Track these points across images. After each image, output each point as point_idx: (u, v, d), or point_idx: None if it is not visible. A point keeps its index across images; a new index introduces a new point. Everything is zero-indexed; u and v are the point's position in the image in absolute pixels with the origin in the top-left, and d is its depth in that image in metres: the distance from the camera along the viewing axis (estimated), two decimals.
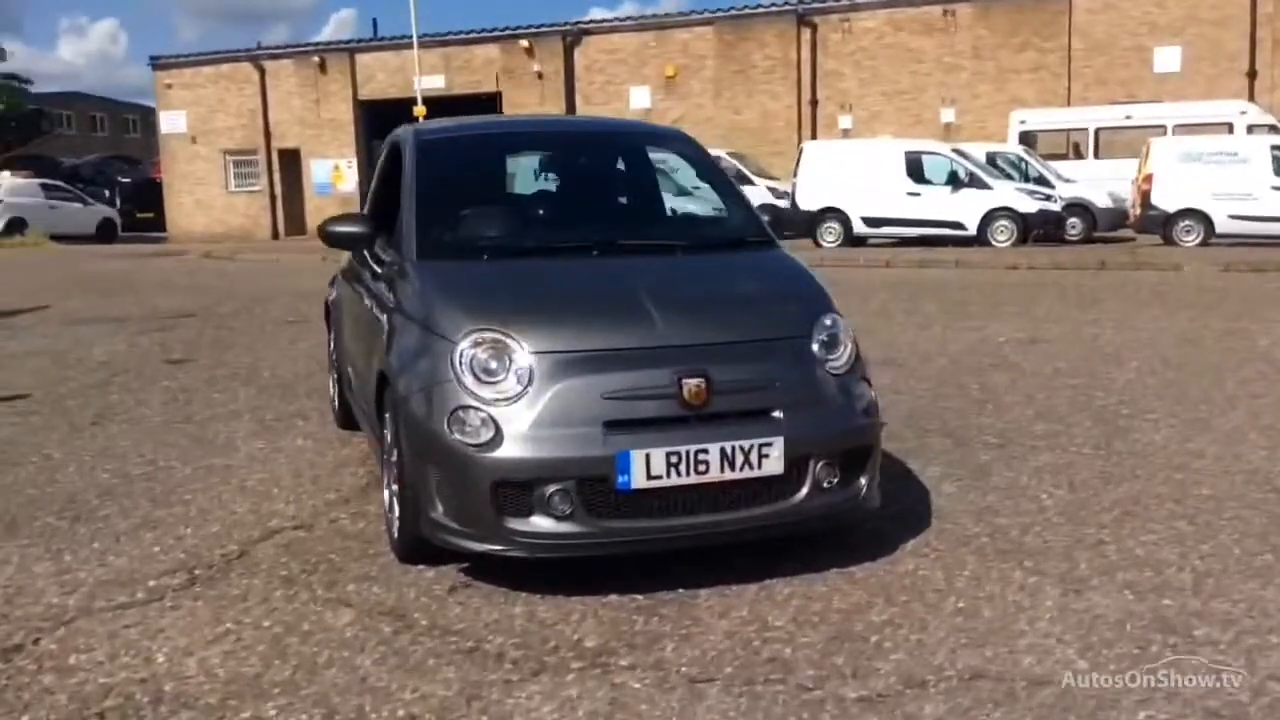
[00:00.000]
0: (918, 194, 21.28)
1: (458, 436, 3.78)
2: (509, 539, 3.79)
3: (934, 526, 4.62)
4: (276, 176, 36.34)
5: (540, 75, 33.77)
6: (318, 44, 36.77)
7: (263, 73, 36.50)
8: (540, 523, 3.77)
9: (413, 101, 33.80)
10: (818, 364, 4.13)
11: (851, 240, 21.77)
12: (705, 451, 3.80)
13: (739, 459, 3.84)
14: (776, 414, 3.94)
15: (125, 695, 3.22)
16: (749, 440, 3.85)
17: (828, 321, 4.27)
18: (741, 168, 27.71)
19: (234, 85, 36.79)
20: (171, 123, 37.58)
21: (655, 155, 5.60)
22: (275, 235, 35.84)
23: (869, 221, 21.75)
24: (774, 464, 3.88)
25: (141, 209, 38.84)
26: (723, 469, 3.83)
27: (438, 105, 34.47)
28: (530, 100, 33.90)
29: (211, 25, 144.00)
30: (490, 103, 34.08)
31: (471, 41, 34.72)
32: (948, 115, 30.18)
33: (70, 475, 5.59)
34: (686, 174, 6.01)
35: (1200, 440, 5.90)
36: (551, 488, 3.74)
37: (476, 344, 3.88)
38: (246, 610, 3.83)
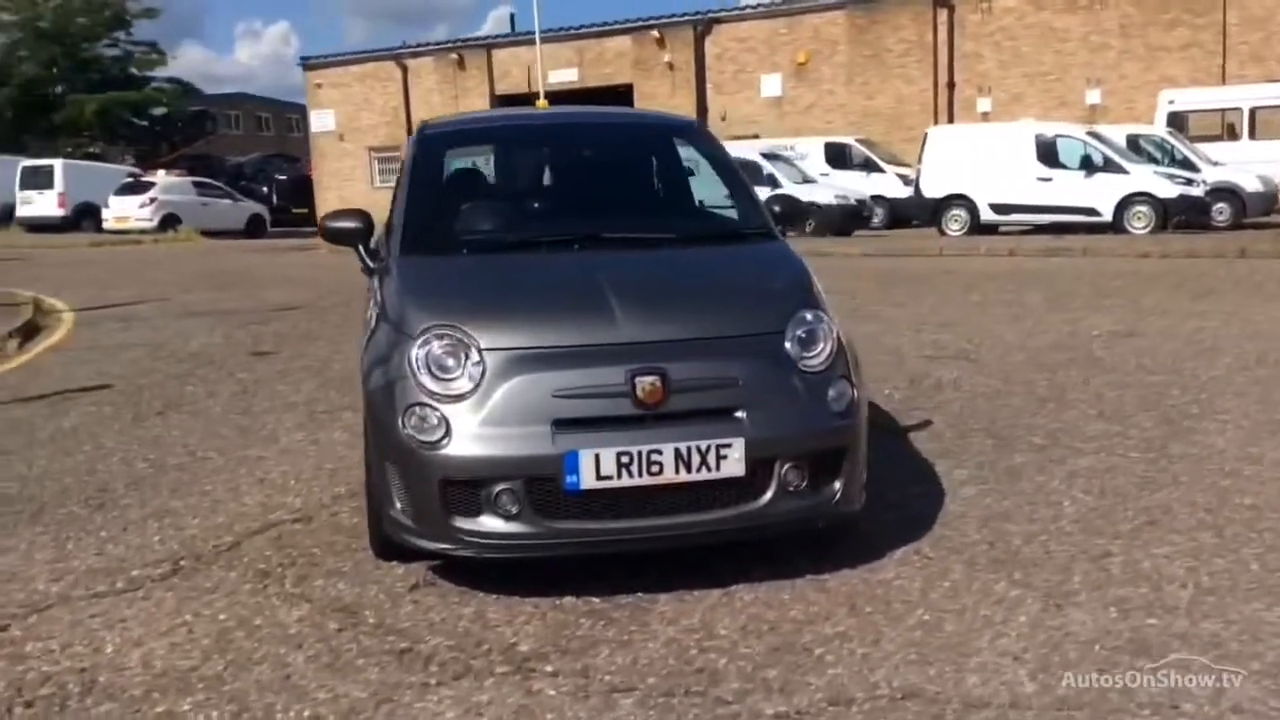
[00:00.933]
0: (1049, 179, 20.48)
1: (411, 433, 3.76)
2: (457, 538, 3.75)
3: (934, 533, 4.39)
4: None
5: (671, 66, 33.75)
6: (456, 41, 37.49)
7: (405, 71, 37.48)
8: (488, 522, 3.72)
9: (549, 95, 34.28)
10: (790, 362, 3.95)
11: (979, 228, 21.10)
12: (659, 452, 3.68)
13: (695, 460, 3.71)
14: (739, 414, 3.79)
15: (59, 685, 3.29)
16: (707, 441, 3.71)
17: (807, 317, 4.08)
18: (870, 155, 27.20)
19: (378, 84, 37.88)
20: (321, 121, 38.92)
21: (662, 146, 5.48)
22: None
23: (997, 208, 21.03)
24: (734, 466, 3.74)
25: (296, 205, 40.31)
26: (678, 470, 3.70)
27: (569, 98, 34.87)
28: (661, 91, 33.91)
29: (378, 25, 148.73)
30: (623, 95, 34.22)
31: (604, 34, 34.93)
32: (1093, 97, 28.99)
33: (112, 464, 5.80)
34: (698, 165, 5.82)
35: (1265, 445, 5.48)
36: (499, 487, 3.68)
37: (434, 340, 3.84)
38: (209, 603, 3.88)
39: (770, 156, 24.01)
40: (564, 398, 3.71)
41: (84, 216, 31.32)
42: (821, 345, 4.05)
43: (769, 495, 3.83)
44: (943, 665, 3.27)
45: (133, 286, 15.75)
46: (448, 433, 3.72)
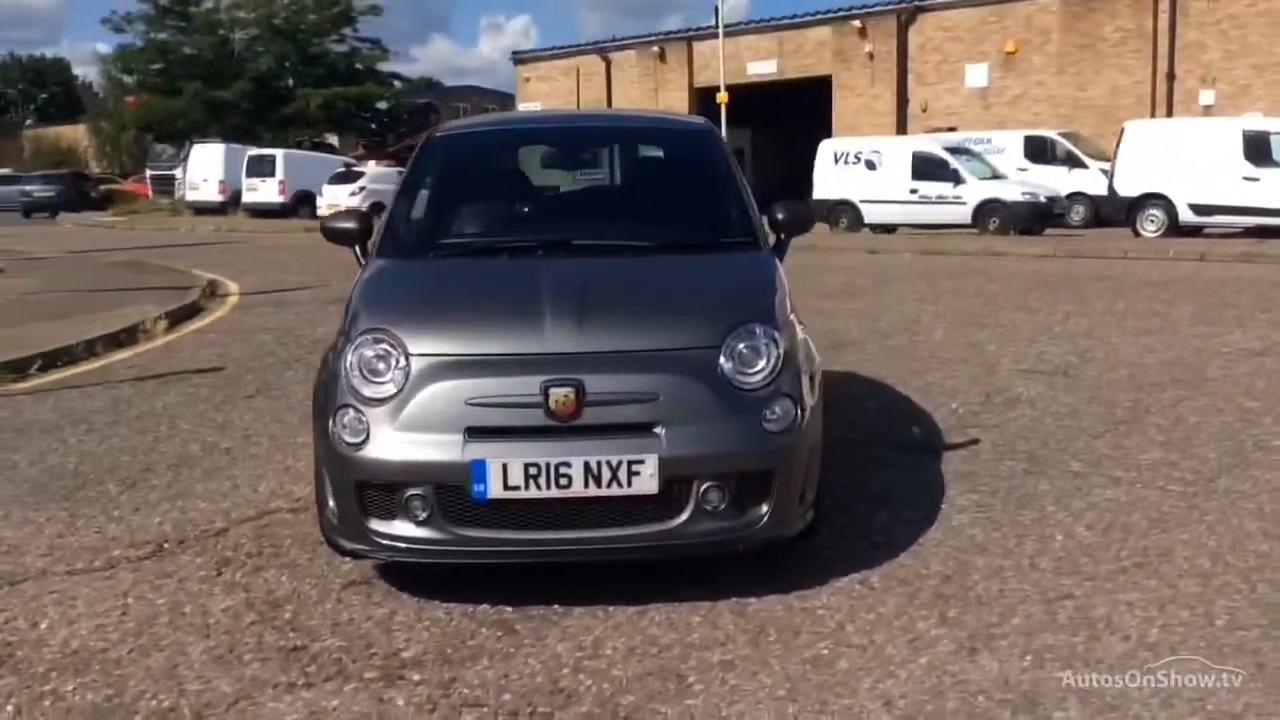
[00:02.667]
0: (1256, 179, 18.99)
1: (338, 433, 3.84)
2: (373, 541, 3.81)
3: (895, 561, 4.18)
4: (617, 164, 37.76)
5: (872, 56, 33.04)
6: (659, 34, 37.79)
7: (609, 64, 38.08)
8: (401, 527, 3.76)
9: (746, 87, 34.17)
10: (722, 378, 3.82)
11: (1177, 230, 19.76)
12: (568, 465, 3.64)
13: (606, 475, 3.64)
14: (658, 430, 3.70)
15: None
16: (618, 456, 3.64)
17: (753, 332, 3.93)
18: (1074, 149, 25.91)
19: (583, 77, 38.63)
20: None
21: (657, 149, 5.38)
22: None
23: (1198, 209, 19.66)
24: (646, 483, 3.66)
25: None
26: (587, 484, 3.65)
27: (768, 90, 34.68)
28: (860, 82, 33.27)
29: (614, 18, 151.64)
30: (821, 85, 33.76)
31: (804, 24, 34.53)
32: None
33: (171, 445, 6.15)
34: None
35: None
36: (409, 492, 3.72)
37: (368, 344, 3.91)
38: (158, 587, 4.08)
39: (956, 151, 23.21)
40: (478, 406, 3.71)
41: (301, 203, 33.20)
42: (763, 362, 3.90)
43: (686, 515, 3.73)
44: (805, 704, 3.12)
45: (309, 272, 16.58)
46: (368, 436, 3.78)
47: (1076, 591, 3.86)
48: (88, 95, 77.06)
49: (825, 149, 24.83)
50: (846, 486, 5.07)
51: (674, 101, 36.21)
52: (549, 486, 3.65)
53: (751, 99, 34.38)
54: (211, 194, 35.13)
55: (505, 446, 3.67)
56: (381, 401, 3.80)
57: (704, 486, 3.72)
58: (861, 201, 23.62)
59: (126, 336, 9.99)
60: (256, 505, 5.03)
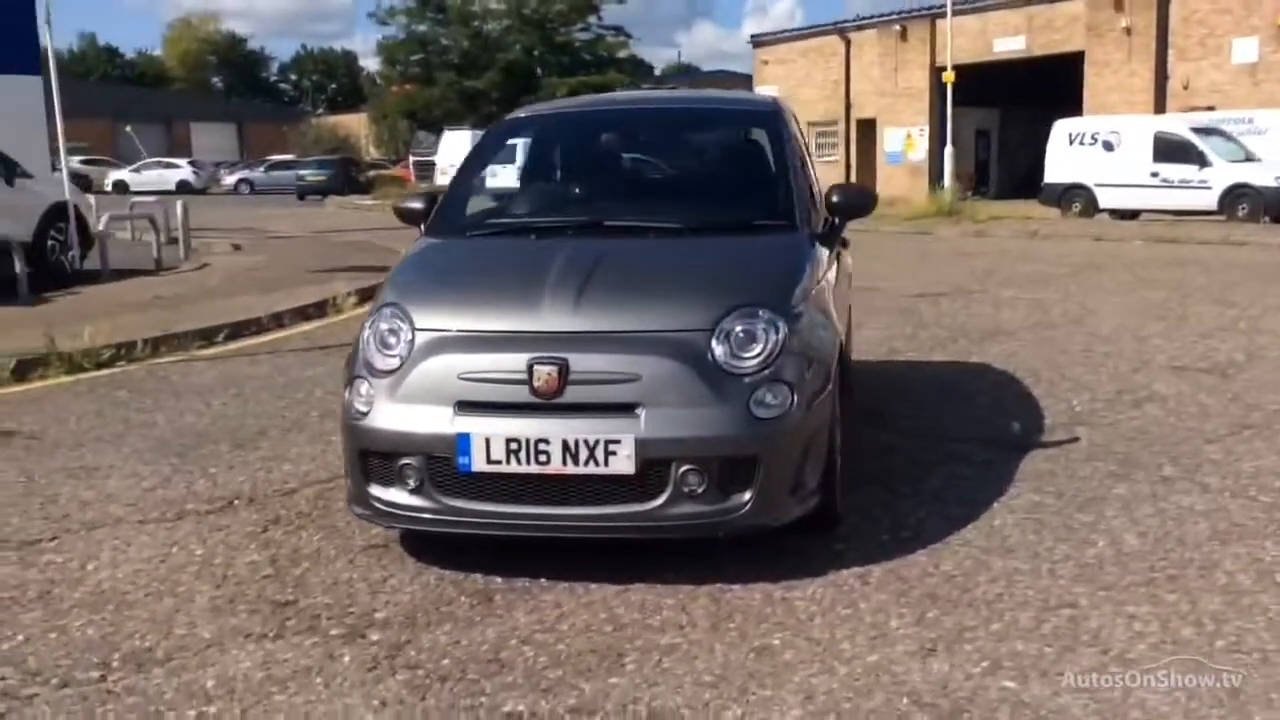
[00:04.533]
0: None
1: (351, 403, 4.05)
2: (372, 506, 3.99)
3: (909, 558, 4.02)
4: (853, 146, 37.16)
5: (1129, 30, 30.98)
6: (901, 13, 36.78)
7: (848, 44, 37.39)
8: (396, 495, 3.93)
9: (991, 66, 32.84)
10: (711, 362, 3.78)
11: None
12: (546, 442, 3.70)
13: (583, 454, 3.69)
14: (639, 411, 3.71)
15: (23, 589, 3.94)
16: (595, 435, 3.68)
17: (754, 314, 3.86)
18: None
19: (821, 58, 38.10)
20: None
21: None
22: None
23: None
24: (622, 463, 3.68)
25: None
26: (565, 462, 3.70)
27: (1017, 67, 33.18)
28: (1115, 58, 31.32)
29: None
30: (1072, 62, 32.02)
31: None
32: None
33: (295, 411, 6.58)
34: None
35: None
36: (403, 461, 3.88)
37: (384, 318, 4.10)
38: (204, 540, 4.40)
39: (1205, 131, 21.54)
40: (467, 380, 3.83)
41: None
42: (759, 346, 3.83)
43: (664, 497, 3.72)
44: (724, 691, 3.08)
45: None
46: (373, 405, 3.97)
47: (1083, 601, 3.61)
48: (369, 86, 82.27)
49: (1059, 129, 23.57)
50: (904, 480, 4.92)
51: (915, 80, 35.22)
52: (529, 462, 3.73)
53: (998, 77, 32.96)
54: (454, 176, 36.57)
55: (490, 421, 3.77)
56: (388, 373, 3.97)
57: (683, 469, 3.71)
58: (1097, 185, 22.30)
59: (315, 310, 10.70)
60: (333, 469, 5.31)
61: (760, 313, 3.90)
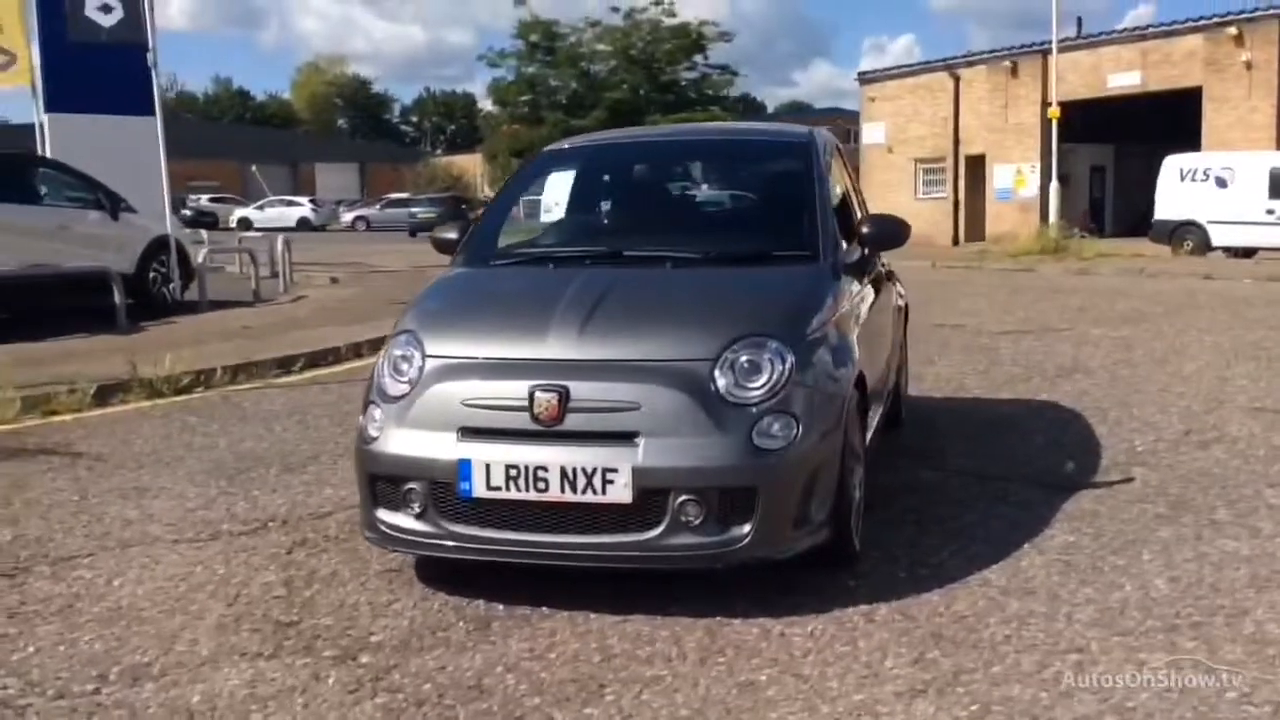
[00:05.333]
0: None
1: (364, 428, 4.10)
2: (378, 529, 4.03)
3: (922, 597, 3.89)
4: (961, 183, 36.58)
5: (1249, 65, 29.98)
6: (1012, 49, 36.18)
7: (957, 80, 36.89)
8: (400, 519, 3.96)
9: (1105, 101, 32.11)
10: (713, 392, 3.73)
11: None
12: (545, 469, 3.70)
13: (581, 481, 3.67)
14: (638, 440, 3.68)
15: (46, 603, 4.05)
16: (594, 463, 3.66)
17: (760, 345, 3.81)
18: None
19: (929, 94, 37.64)
20: (871, 134, 39.51)
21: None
22: (955, 241, 36.08)
23: None
24: (620, 492, 3.65)
25: None
26: (563, 489, 3.69)
27: (1132, 103, 32.36)
28: (1235, 94, 30.31)
29: (998, 32, 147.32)
30: (1189, 98, 31.10)
31: (1172, 33, 31.88)
32: None
33: (352, 437, 6.66)
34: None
35: None
36: (408, 485, 3.91)
37: (399, 344, 4.15)
38: (229, 560, 4.48)
39: None
40: (471, 407, 3.85)
41: None
42: (764, 377, 3.78)
43: (662, 527, 3.68)
44: None
45: None
46: (383, 430, 4.01)
47: (1094, 646, 3.44)
48: (486, 127, 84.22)
49: (1170, 165, 22.88)
50: (937, 518, 4.79)
51: (1025, 116, 34.53)
52: (528, 489, 3.73)
53: (1112, 113, 32.21)
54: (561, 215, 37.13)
55: (491, 447, 3.78)
56: (397, 399, 4.02)
57: (681, 499, 3.66)
58: (1210, 222, 21.57)
59: None
60: None
61: (768, 343, 3.84)
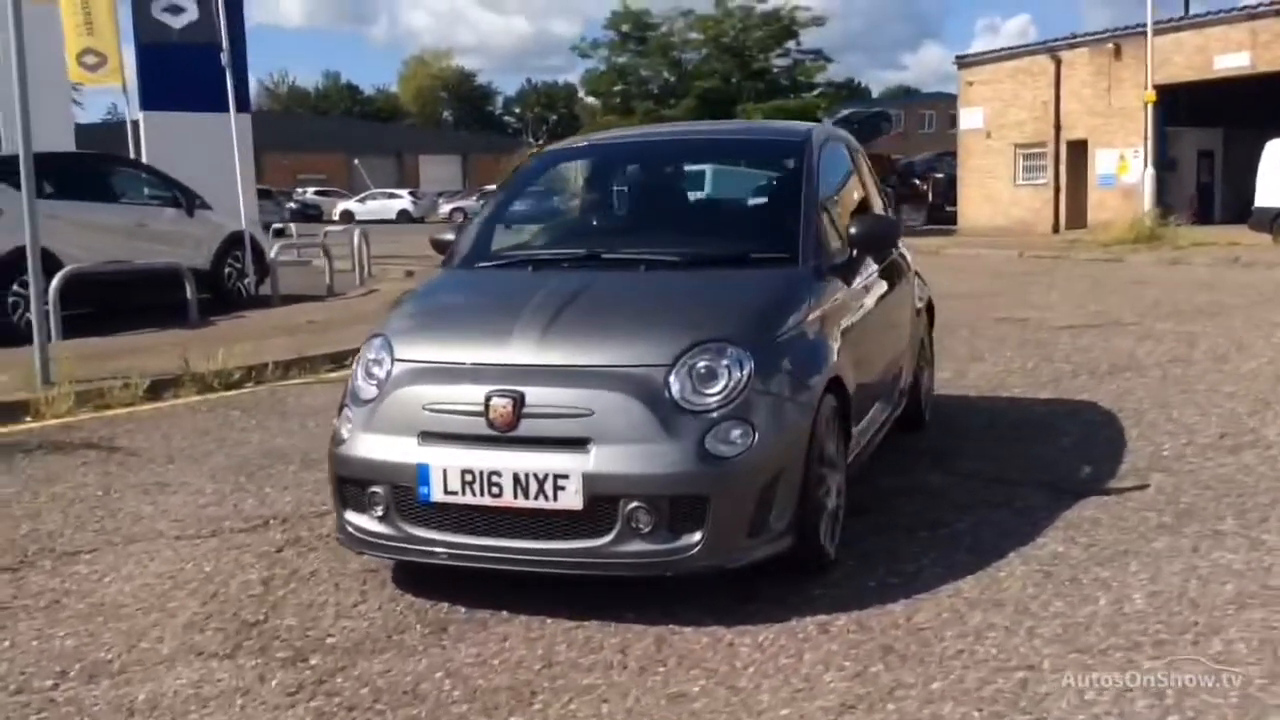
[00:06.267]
0: None
1: (337, 430, 4.17)
2: (346, 531, 4.09)
3: (884, 607, 3.80)
4: (1062, 169, 35.59)
5: None
6: (1115, 30, 35.05)
7: (1058, 63, 35.87)
8: (365, 521, 4.01)
9: (1213, 84, 30.93)
10: (666, 398, 3.70)
11: None
12: (499, 474, 3.71)
13: (533, 487, 3.68)
14: (590, 446, 3.67)
15: (38, 596, 4.21)
16: (545, 469, 3.67)
17: (719, 351, 3.77)
18: None
19: (1029, 78, 36.68)
20: (970, 119, 38.66)
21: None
22: (1055, 229, 35.13)
23: None
24: (571, 498, 3.65)
25: (951, 204, 40.65)
26: (516, 495, 3.70)
27: (1241, 85, 31.10)
28: None
29: (1122, 11, 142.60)
30: None
31: None
32: None
33: None
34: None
35: None
36: (373, 488, 3.96)
37: (372, 348, 4.21)
38: (220, 557, 4.59)
39: None
40: (431, 411, 3.88)
41: None
42: (721, 383, 3.74)
43: (612, 534, 3.67)
44: None
45: None
46: (351, 433, 4.07)
47: (1046, 664, 3.33)
48: (584, 117, 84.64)
49: (1272, 150, 21.92)
50: (929, 524, 4.70)
51: (1129, 100, 33.36)
52: (483, 494, 3.75)
53: (1221, 95, 31.01)
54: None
55: (449, 452, 3.81)
56: (367, 402, 4.07)
57: (631, 506, 3.64)
58: None
59: None
60: None
61: (727, 349, 3.79)
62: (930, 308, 6.59)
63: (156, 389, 8.28)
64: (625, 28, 40.71)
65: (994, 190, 37.43)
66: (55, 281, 10.30)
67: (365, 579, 4.26)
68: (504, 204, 5.12)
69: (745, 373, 3.75)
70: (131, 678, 3.49)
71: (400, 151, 74.37)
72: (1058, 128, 35.81)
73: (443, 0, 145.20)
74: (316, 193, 57.68)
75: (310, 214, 48.93)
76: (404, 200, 54.17)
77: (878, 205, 5.73)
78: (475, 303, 4.39)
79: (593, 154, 5.64)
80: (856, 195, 5.38)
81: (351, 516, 4.07)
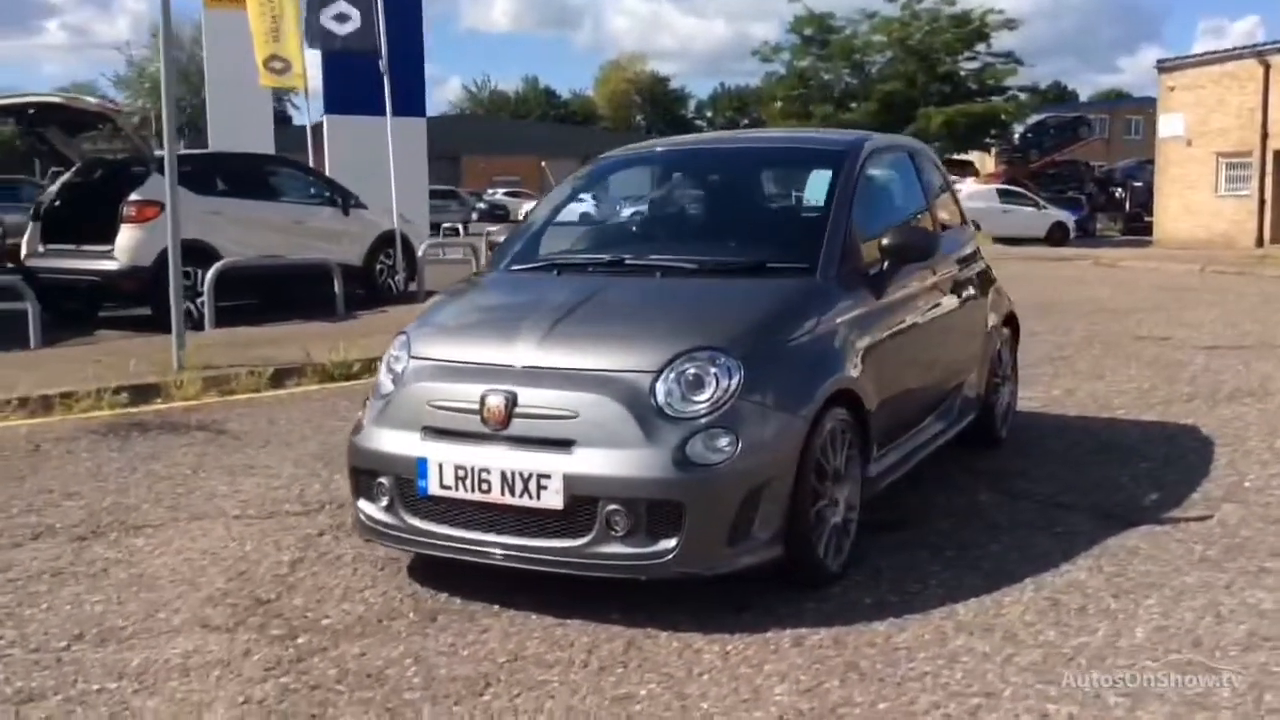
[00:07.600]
0: None
1: (360, 420, 4.36)
2: (357, 517, 4.27)
3: (871, 625, 3.75)
4: (1268, 179, 33.45)
5: None
6: None
7: (1267, 68, 33.74)
8: (373, 509, 4.18)
9: None
10: (651, 404, 3.73)
11: None
12: (488, 471, 3.82)
13: (519, 485, 3.78)
14: (574, 448, 3.74)
15: (91, 564, 4.54)
16: (530, 468, 3.75)
17: (709, 359, 3.78)
18: None
19: (1235, 84, 34.64)
20: (1170, 126, 36.78)
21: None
22: (1259, 242, 33.04)
23: None
24: (553, 497, 3.73)
25: (1150, 213, 38.83)
26: (503, 492, 3.81)
27: None
28: None
29: None
30: None
31: None
32: None
33: None
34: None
35: None
36: (380, 479, 4.13)
37: (396, 345, 4.39)
38: (264, 537, 4.84)
39: None
40: (434, 408, 4.02)
41: None
42: (708, 391, 3.75)
43: (590, 535, 3.73)
44: None
45: None
46: (367, 424, 4.25)
47: (1006, 694, 3.23)
48: (770, 120, 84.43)
49: None
50: (956, 544, 4.59)
51: None
52: (473, 490, 3.87)
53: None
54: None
55: (446, 447, 3.94)
56: (384, 396, 4.25)
57: (609, 509, 3.69)
58: None
59: None
60: None
61: (717, 357, 3.81)
62: (1012, 321, 6.36)
63: (280, 377, 8.74)
64: (808, 31, 40.30)
65: (1193, 201, 35.48)
66: (210, 274, 11.03)
67: (384, 565, 4.43)
68: (551, 209, 5.23)
69: (734, 381, 3.75)
70: (135, 644, 3.74)
71: (588, 155, 75.47)
72: (1264, 136, 33.67)
73: (644, 5, 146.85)
74: (506, 193, 59.32)
75: (498, 214, 50.35)
76: (586, 204, 55.02)
77: (947, 216, 5.58)
78: (494, 304, 4.52)
79: (639, 162, 5.69)
80: (911, 206, 5.26)
81: (364, 505, 4.24)
